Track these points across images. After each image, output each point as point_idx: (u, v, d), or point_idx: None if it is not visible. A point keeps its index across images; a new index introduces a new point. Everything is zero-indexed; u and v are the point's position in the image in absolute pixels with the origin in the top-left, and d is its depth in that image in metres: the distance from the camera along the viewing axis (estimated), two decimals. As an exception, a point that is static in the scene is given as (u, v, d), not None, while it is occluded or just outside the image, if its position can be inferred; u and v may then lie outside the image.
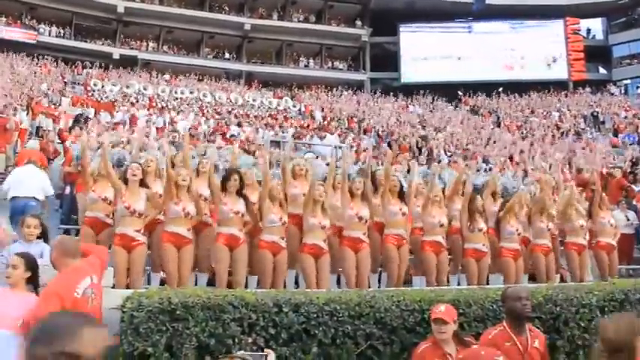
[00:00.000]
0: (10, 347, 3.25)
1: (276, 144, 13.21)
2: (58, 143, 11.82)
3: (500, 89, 29.92)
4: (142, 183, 5.53)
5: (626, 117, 22.85)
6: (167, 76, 27.15)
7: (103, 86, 22.87)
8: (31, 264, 3.74)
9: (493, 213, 6.77)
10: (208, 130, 16.50)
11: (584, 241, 6.94)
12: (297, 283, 6.13)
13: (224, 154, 9.07)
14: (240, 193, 5.73)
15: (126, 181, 5.46)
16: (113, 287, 4.95)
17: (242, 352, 1.82)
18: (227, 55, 33.74)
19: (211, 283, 5.74)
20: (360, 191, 6.10)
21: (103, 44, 31.25)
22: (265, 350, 1.90)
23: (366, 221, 6.05)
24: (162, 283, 5.56)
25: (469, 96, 29.91)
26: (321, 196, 5.80)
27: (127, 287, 5.05)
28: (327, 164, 7.67)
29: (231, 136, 15.31)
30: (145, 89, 23.52)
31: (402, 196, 6.40)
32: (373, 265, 6.26)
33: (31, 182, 7.25)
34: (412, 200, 6.61)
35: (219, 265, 5.56)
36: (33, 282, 3.75)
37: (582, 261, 6.90)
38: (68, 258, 3.65)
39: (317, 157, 10.97)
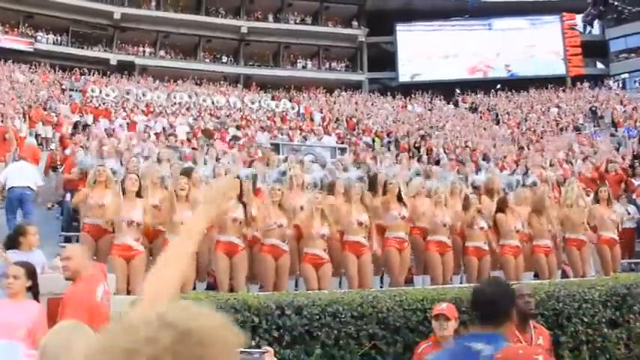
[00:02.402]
0: (15, 357, 3.23)
1: (275, 146, 13.19)
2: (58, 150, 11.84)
3: (499, 86, 29.89)
4: (139, 194, 5.58)
5: (624, 111, 22.84)
6: (165, 81, 27.13)
7: (101, 92, 22.85)
8: (31, 273, 3.74)
9: (491, 211, 6.78)
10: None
11: (584, 237, 6.94)
12: (296, 285, 6.13)
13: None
14: (240, 200, 5.72)
15: (124, 192, 5.50)
16: (114, 294, 4.93)
17: (240, 348, 1.80)
18: (224, 59, 33.68)
19: (212, 287, 5.72)
20: (359, 196, 6.10)
21: (100, 50, 31.22)
22: (264, 347, 1.89)
23: (367, 226, 6.07)
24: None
25: (467, 94, 29.88)
26: (319, 205, 5.80)
27: (128, 293, 5.04)
28: (324, 167, 7.63)
29: (231, 139, 15.29)
30: (143, 95, 23.50)
31: (401, 198, 6.40)
32: (374, 267, 6.25)
33: (25, 174, 8.08)
34: (411, 200, 6.61)
35: (219, 273, 5.55)
36: (33, 290, 3.75)
37: (583, 256, 6.89)
38: (88, 263, 3.75)
39: (315, 159, 10.94)
